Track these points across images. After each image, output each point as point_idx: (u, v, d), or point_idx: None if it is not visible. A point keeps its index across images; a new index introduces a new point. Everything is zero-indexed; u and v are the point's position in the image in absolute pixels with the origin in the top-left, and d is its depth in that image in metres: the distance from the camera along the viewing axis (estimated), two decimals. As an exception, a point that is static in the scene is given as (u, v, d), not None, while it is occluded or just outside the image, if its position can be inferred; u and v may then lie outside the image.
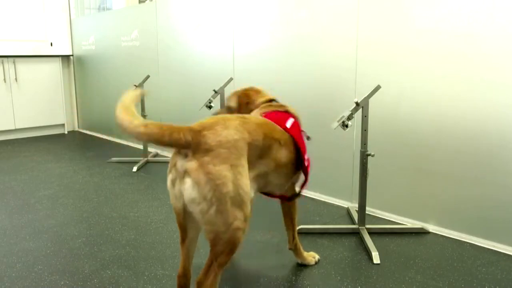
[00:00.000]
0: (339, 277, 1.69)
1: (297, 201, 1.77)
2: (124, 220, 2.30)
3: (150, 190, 2.83)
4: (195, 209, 1.24)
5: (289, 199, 1.74)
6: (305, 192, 2.75)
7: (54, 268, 1.77)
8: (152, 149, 3.87)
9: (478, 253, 1.90)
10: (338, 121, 1.91)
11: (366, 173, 2.03)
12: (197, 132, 1.25)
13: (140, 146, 3.69)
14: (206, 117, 1.40)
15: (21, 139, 4.74)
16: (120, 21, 4.45)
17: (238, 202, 1.26)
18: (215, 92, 2.75)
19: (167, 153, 3.81)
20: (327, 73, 2.55)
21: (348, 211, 2.42)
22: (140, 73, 3.68)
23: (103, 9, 6.01)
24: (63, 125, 5.14)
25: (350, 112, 1.92)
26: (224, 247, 1.29)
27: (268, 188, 1.63)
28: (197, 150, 1.23)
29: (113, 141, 4.60)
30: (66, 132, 5.14)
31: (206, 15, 3.37)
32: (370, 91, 1.96)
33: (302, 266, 1.79)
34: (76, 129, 5.36)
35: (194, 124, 1.30)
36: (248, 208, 1.30)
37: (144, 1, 5.09)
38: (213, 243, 1.30)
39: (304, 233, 2.11)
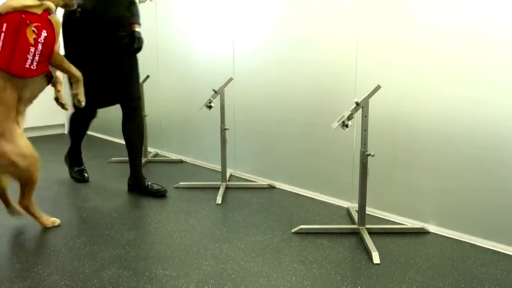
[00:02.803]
0: (339, 277, 1.69)
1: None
2: (124, 220, 2.30)
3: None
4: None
5: None
6: (305, 192, 2.75)
7: (54, 268, 1.77)
8: (152, 149, 3.87)
9: (478, 253, 1.90)
10: (338, 121, 1.91)
11: (366, 173, 2.03)
12: None
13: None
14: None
15: (21, 139, 4.73)
16: (120, 21, 4.44)
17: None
18: (215, 92, 2.74)
19: (167, 153, 3.82)
20: (327, 73, 2.55)
21: (348, 211, 2.42)
22: (140, 73, 3.68)
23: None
24: (63, 125, 5.13)
25: (350, 112, 1.92)
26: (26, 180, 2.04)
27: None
28: None
29: (113, 141, 4.60)
30: (66, 132, 5.13)
31: (206, 15, 3.36)
32: (370, 91, 1.96)
33: (302, 266, 1.79)
34: (76, 129, 5.36)
35: None
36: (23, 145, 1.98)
37: (144, 1, 5.09)
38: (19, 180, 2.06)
39: (304, 233, 2.12)
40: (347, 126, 1.91)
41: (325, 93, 2.57)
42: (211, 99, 2.92)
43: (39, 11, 1.95)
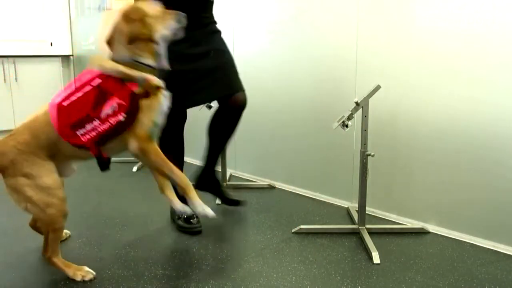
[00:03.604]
0: (339, 277, 1.69)
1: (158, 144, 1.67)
2: (124, 220, 2.30)
3: (150, 190, 2.82)
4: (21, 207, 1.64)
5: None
6: (305, 192, 2.75)
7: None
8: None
9: (478, 253, 1.90)
10: (338, 121, 1.91)
11: (366, 173, 2.03)
12: None
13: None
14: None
15: (21, 139, 4.73)
16: (120, 21, 4.44)
17: (44, 193, 1.58)
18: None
19: (167, 153, 3.81)
20: (327, 73, 2.55)
21: (348, 211, 2.42)
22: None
23: (103, 9, 6.00)
24: (63, 125, 5.13)
25: (350, 112, 1.92)
26: (48, 227, 1.65)
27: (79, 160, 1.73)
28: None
29: (113, 141, 4.60)
30: (66, 132, 5.13)
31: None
32: (370, 91, 1.96)
33: (302, 266, 1.79)
34: (76, 129, 5.35)
35: None
36: (55, 193, 1.60)
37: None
38: (41, 225, 1.72)
39: (304, 233, 2.12)
40: (347, 126, 1.91)
41: (325, 93, 2.57)
42: (211, 99, 2.92)
43: (139, 90, 1.57)
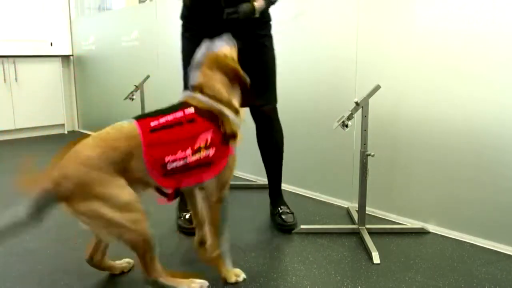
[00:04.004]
0: (339, 277, 1.69)
1: (223, 206, 1.69)
2: (124, 220, 2.29)
3: (150, 190, 2.82)
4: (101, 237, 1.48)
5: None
6: (305, 192, 2.75)
7: (54, 268, 1.77)
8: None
9: (478, 253, 1.90)
10: (338, 121, 1.91)
11: (366, 173, 2.03)
12: (56, 182, 1.38)
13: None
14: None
15: (21, 139, 4.74)
16: (120, 21, 4.45)
17: (124, 210, 1.40)
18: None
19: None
20: (327, 73, 2.55)
21: (348, 211, 2.42)
22: (140, 73, 3.68)
23: (103, 9, 6.01)
24: (63, 125, 5.14)
25: (350, 112, 1.92)
26: (141, 249, 1.48)
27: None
28: (65, 198, 1.38)
29: (113, 141, 4.59)
30: (66, 132, 5.14)
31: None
32: (370, 91, 1.96)
33: (302, 266, 1.79)
34: (76, 129, 5.36)
35: (48, 172, 1.42)
36: (135, 208, 1.43)
37: (144, 1, 5.09)
38: (131, 248, 1.48)
39: (304, 233, 2.11)
40: (347, 126, 1.91)
41: (325, 93, 2.57)
42: (211, 99, 2.92)
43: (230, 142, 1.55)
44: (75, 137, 5.08)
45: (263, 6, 1.94)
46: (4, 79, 4.61)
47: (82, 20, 5.23)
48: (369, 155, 2.02)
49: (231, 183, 3.04)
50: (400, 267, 1.78)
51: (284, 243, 2.02)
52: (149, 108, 3.70)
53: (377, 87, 1.96)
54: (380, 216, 2.35)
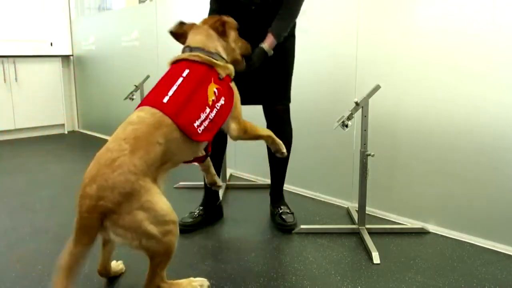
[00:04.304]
0: (339, 277, 1.69)
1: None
2: (124, 220, 2.29)
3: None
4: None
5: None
6: (305, 192, 2.75)
7: (54, 268, 1.77)
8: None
9: (478, 253, 1.90)
10: (338, 121, 1.91)
11: (366, 173, 2.03)
12: (95, 199, 1.27)
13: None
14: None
15: (21, 139, 4.74)
16: (120, 21, 4.45)
17: (159, 222, 1.35)
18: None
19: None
20: (327, 73, 2.55)
21: (348, 211, 2.42)
22: (140, 73, 3.68)
23: (103, 9, 6.01)
24: (63, 125, 5.14)
25: (350, 112, 1.92)
26: (162, 256, 1.43)
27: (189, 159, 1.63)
28: (106, 215, 1.29)
29: (113, 141, 4.59)
30: (66, 132, 5.14)
31: (206, 15, 3.36)
32: (370, 91, 1.96)
33: (302, 266, 1.79)
34: (76, 129, 5.36)
35: (84, 193, 1.30)
36: (170, 217, 1.38)
37: (144, 1, 5.09)
38: (152, 256, 1.42)
39: (304, 233, 2.11)
40: (347, 126, 1.91)
41: (325, 93, 2.57)
42: (211, 99, 2.92)
43: (223, 73, 1.63)
44: (75, 137, 5.11)
45: (273, 42, 1.97)
46: (4, 79, 4.61)
47: (82, 20, 5.23)
48: (369, 155, 2.02)
49: (231, 183, 3.05)
50: (400, 267, 1.78)
51: (284, 243, 2.02)
52: (149, 108, 3.70)
53: (377, 87, 1.96)
54: (380, 216, 2.35)
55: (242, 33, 1.86)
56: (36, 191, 2.80)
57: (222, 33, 1.73)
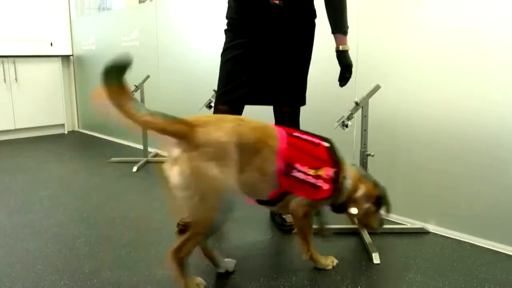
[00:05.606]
0: (339, 277, 1.69)
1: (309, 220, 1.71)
2: (124, 220, 2.30)
3: (150, 190, 2.83)
4: (179, 194, 1.43)
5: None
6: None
7: (54, 268, 1.77)
8: (152, 149, 3.87)
9: (478, 253, 1.90)
10: (338, 121, 1.92)
11: (366, 173, 2.03)
12: (192, 127, 1.41)
13: (140, 146, 3.69)
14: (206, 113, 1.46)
15: (21, 139, 4.74)
16: (120, 21, 4.45)
17: (218, 194, 1.43)
18: (215, 92, 2.74)
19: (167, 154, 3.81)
20: (327, 73, 2.55)
21: (348, 211, 2.42)
22: (140, 73, 3.68)
23: (103, 9, 6.01)
24: (63, 125, 5.14)
25: (350, 112, 1.92)
26: (200, 229, 1.48)
27: (255, 194, 1.64)
28: (188, 143, 1.40)
29: (113, 141, 4.60)
30: (66, 132, 5.14)
31: (206, 15, 3.37)
32: (370, 91, 1.96)
33: (302, 266, 1.79)
34: (76, 129, 5.36)
35: (192, 117, 1.47)
36: (226, 200, 1.45)
37: (144, 1, 5.09)
38: (192, 225, 1.47)
39: (304, 233, 2.11)
40: (347, 126, 1.91)
41: (325, 93, 2.57)
42: (211, 99, 2.92)
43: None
44: (75, 137, 5.11)
45: (344, 38, 2.03)
46: (4, 79, 4.61)
47: (82, 20, 5.23)
48: (369, 155, 2.02)
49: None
50: (400, 267, 1.78)
51: (284, 243, 2.02)
52: (149, 108, 3.70)
53: (377, 87, 1.96)
54: (380, 216, 2.35)
55: (268, 33, 1.91)
56: (36, 191, 2.80)
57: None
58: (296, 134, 1.64)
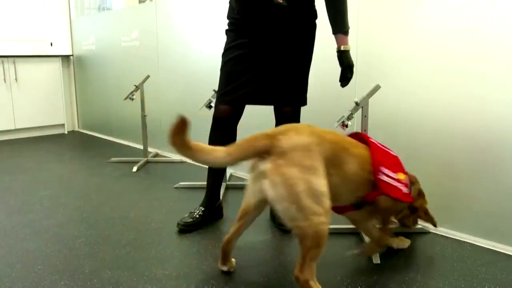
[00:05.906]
0: (339, 277, 1.69)
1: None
2: (124, 220, 2.30)
3: (150, 190, 2.83)
4: (278, 208, 1.40)
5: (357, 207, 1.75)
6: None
7: (54, 268, 1.77)
8: (152, 149, 3.87)
9: (478, 253, 1.90)
10: (338, 121, 1.91)
11: (366, 173, 2.03)
12: (272, 137, 1.42)
13: (140, 146, 3.69)
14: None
15: (21, 139, 4.74)
16: (120, 21, 4.45)
17: (314, 198, 1.38)
18: (215, 92, 2.74)
19: (167, 153, 3.82)
20: (327, 73, 2.55)
21: (348, 211, 2.42)
22: (140, 73, 3.68)
23: (103, 9, 6.01)
24: (63, 125, 5.14)
25: (350, 112, 1.92)
26: (311, 242, 1.39)
27: (337, 199, 1.59)
28: (272, 153, 1.39)
29: (113, 141, 4.60)
30: (66, 132, 5.14)
31: (206, 15, 3.37)
32: (370, 91, 1.96)
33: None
34: (76, 129, 5.36)
35: (268, 130, 1.49)
36: (325, 202, 1.41)
37: (144, 1, 5.09)
38: (301, 239, 1.41)
39: (304, 233, 2.11)
40: (347, 126, 1.91)
41: (325, 93, 2.57)
42: (211, 99, 2.92)
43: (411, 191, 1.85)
44: (75, 137, 5.12)
45: (345, 38, 2.03)
46: (4, 79, 4.61)
47: (82, 20, 5.23)
48: (369, 155, 2.01)
49: (231, 183, 3.06)
50: (400, 267, 1.78)
51: (284, 243, 2.02)
52: (149, 108, 3.71)
53: (377, 87, 1.96)
54: (380, 216, 2.35)
55: (271, 33, 1.92)
56: (36, 191, 2.80)
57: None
58: (379, 143, 1.77)
